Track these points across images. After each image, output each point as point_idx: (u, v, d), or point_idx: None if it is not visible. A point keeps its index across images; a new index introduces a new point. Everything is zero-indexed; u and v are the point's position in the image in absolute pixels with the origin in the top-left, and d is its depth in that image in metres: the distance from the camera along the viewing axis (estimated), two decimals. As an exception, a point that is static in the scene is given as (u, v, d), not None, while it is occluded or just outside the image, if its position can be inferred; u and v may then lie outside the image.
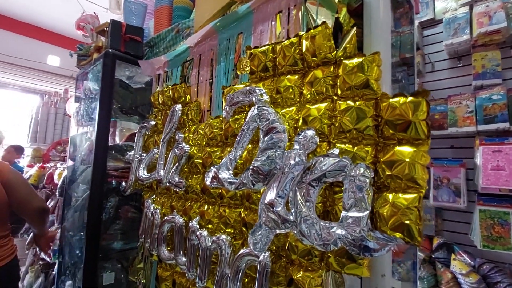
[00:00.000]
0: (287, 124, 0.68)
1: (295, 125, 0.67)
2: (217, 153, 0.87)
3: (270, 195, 0.61)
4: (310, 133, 0.61)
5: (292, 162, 0.60)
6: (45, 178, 2.41)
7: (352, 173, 0.53)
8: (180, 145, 0.97)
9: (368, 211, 0.51)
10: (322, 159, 0.57)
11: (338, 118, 0.60)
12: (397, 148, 0.52)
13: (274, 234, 0.59)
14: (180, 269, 0.93)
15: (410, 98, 0.51)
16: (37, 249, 2.34)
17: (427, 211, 2.32)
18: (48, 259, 2.03)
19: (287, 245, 0.62)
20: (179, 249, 0.92)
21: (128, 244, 1.38)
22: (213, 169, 0.75)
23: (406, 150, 0.51)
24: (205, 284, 0.81)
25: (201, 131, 0.94)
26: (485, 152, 1.88)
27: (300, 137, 0.62)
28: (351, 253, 0.54)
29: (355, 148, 0.57)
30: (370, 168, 0.53)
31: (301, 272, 0.59)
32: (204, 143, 0.94)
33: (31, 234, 2.75)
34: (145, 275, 1.24)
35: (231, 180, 0.71)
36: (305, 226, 0.55)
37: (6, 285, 1.31)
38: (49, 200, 2.53)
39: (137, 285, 1.28)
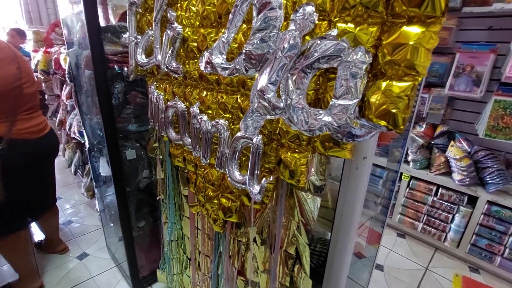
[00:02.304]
0: (283, -4, 0.58)
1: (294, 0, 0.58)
2: (212, 35, 0.80)
3: (262, 81, 0.59)
4: (308, 9, 0.53)
5: (286, 45, 0.55)
6: (53, 63, 2.41)
7: (349, 59, 0.49)
8: (173, 25, 0.89)
9: (357, 100, 0.49)
10: (318, 42, 0.52)
11: (344, -11, 0.50)
12: (404, 28, 0.45)
13: (264, 119, 0.61)
14: (187, 148, 1.03)
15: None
16: (67, 128, 2.60)
17: (438, 100, 2.27)
18: (79, 139, 2.29)
19: (277, 130, 0.65)
20: (184, 132, 0.99)
21: (142, 126, 1.50)
22: (206, 54, 0.71)
23: (413, 31, 0.44)
24: (208, 160, 0.91)
25: (193, 8, 0.84)
26: (525, 35, 1.63)
27: (298, 14, 0.54)
28: (334, 139, 0.57)
29: (358, 29, 0.50)
30: (369, 53, 0.48)
31: (289, 154, 0.64)
32: (198, 23, 0.85)
33: (59, 116, 3.00)
34: (161, 152, 1.40)
35: (225, 65, 0.68)
36: (293, 113, 0.55)
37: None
38: (64, 86, 2.62)
39: (156, 160, 1.47)
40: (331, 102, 0.52)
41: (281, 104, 0.57)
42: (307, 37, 0.56)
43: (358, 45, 0.49)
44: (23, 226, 1.61)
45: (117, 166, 1.41)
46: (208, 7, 0.78)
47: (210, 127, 0.84)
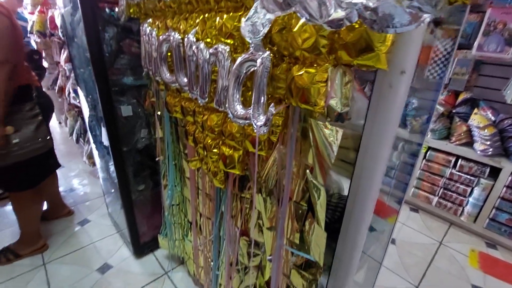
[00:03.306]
0: None
1: None
2: None
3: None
4: None
5: None
6: (48, 22, 2.27)
7: None
8: None
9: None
10: None
11: None
12: None
13: (274, 17, 0.47)
14: (184, 91, 0.90)
15: None
16: (67, 94, 2.50)
17: (464, 63, 2.07)
18: (76, 101, 2.18)
19: (289, 39, 0.52)
20: (179, 69, 0.86)
21: (138, 80, 1.37)
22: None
23: None
24: (206, 99, 0.79)
25: None
26: None
27: None
28: (366, 40, 0.43)
29: None
30: None
31: (304, 70, 0.51)
32: None
33: (58, 82, 2.90)
34: (159, 107, 1.28)
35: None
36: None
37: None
38: (62, 50, 2.49)
39: (154, 118, 1.36)
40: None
41: (296, -7, 0.43)
42: None
43: None
44: (42, 179, 1.60)
45: (111, 122, 1.31)
46: None
47: (208, 56, 0.71)
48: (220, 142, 0.85)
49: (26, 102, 1.38)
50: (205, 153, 0.93)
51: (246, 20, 0.49)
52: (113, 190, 1.92)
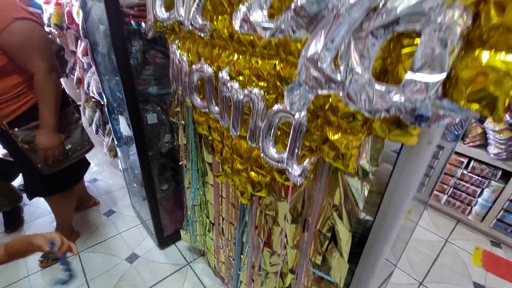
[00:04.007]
0: None
1: None
2: (247, -15, 0.67)
3: (315, 46, 0.48)
4: (389, -51, 0.40)
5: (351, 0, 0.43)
6: (66, 17, 2.28)
7: (439, 20, 0.37)
8: (199, -27, 0.75)
9: (444, 75, 0.39)
10: (398, -6, 0.39)
11: None
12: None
13: (316, 94, 0.51)
14: (213, 116, 0.96)
15: None
16: (86, 87, 2.56)
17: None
18: (98, 99, 2.25)
19: (327, 106, 0.56)
20: (210, 99, 0.91)
21: (163, 89, 1.42)
22: (243, 9, 0.59)
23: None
24: (238, 132, 0.84)
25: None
26: None
27: (371, -43, 0.41)
28: (400, 122, 0.47)
29: (457, -24, 0.37)
30: (469, 12, 0.37)
31: (339, 134, 0.56)
32: (230, -30, 0.71)
33: (76, 74, 2.95)
34: (183, 117, 1.34)
35: (266, 25, 0.57)
36: (354, 88, 0.45)
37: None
38: (79, 42, 2.51)
39: (178, 125, 1.42)
40: (406, 76, 0.42)
41: (339, 77, 0.47)
42: (380, -11, 0.43)
43: (454, 1, 0.37)
44: (79, 179, 1.71)
45: (138, 131, 1.38)
46: (244, -51, 0.64)
47: (242, 97, 0.75)
48: (249, 167, 0.91)
49: (68, 107, 1.42)
50: (232, 172, 1.00)
51: (288, 92, 0.53)
52: (135, 185, 2.04)
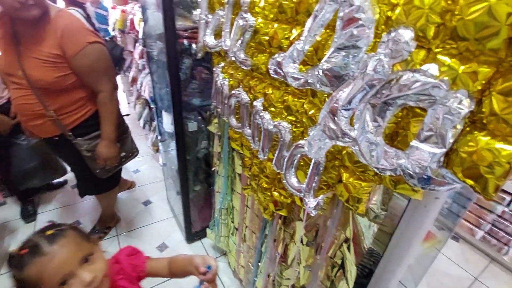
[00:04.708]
0: (378, 9, 0.51)
1: (388, 14, 0.50)
2: (285, 32, 0.76)
3: (335, 104, 0.55)
4: (405, 35, 0.46)
5: (370, 71, 0.50)
6: (128, 23, 2.56)
7: (445, 102, 0.43)
8: (245, 16, 0.85)
9: (444, 150, 0.44)
10: (410, 75, 0.45)
11: (457, 16, 0.41)
12: (529, 78, 0.37)
13: (332, 144, 0.59)
14: (246, 137, 1.06)
15: None
16: (138, 86, 2.84)
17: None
18: (149, 101, 2.50)
19: (344, 151, 0.63)
20: (245, 122, 1.01)
21: (205, 101, 1.57)
22: (277, 58, 0.68)
23: (541, 86, 0.36)
24: (266, 156, 0.93)
25: None
26: None
27: (390, 37, 0.48)
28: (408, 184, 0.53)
29: (464, 67, 0.42)
30: (473, 100, 0.41)
31: (352, 179, 0.62)
32: (272, 16, 0.80)
33: (132, 73, 3.27)
34: (220, 128, 1.46)
35: (296, 76, 0.65)
36: (365, 146, 0.52)
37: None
38: (136, 44, 2.80)
39: (214, 135, 1.56)
40: (412, 144, 0.47)
41: (353, 134, 0.54)
42: (397, 65, 0.49)
43: (459, 88, 0.43)
44: (120, 179, 1.93)
45: (180, 136, 1.54)
46: (285, 2, 0.73)
47: (271, 127, 0.84)
48: (273, 188, 1.00)
49: (121, 117, 1.58)
50: (258, 189, 1.10)
51: (309, 139, 0.61)
52: (171, 181, 2.23)
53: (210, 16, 1.13)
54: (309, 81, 0.62)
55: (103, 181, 1.65)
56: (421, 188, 0.48)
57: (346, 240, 0.75)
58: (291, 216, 1.00)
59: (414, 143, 0.47)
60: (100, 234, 2.01)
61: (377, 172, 0.52)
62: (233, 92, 1.02)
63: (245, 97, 0.97)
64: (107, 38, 2.80)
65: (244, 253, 1.52)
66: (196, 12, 1.21)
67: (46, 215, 2.20)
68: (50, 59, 1.23)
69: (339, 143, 0.57)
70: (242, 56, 0.91)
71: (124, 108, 4.24)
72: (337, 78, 0.56)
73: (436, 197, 0.56)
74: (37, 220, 2.14)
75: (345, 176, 0.64)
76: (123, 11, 2.69)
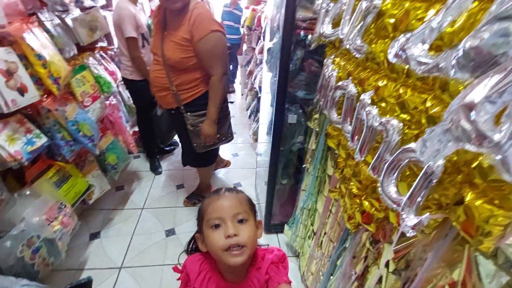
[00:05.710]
0: None
1: None
2: (419, 11, 0.62)
3: (476, 94, 0.41)
4: None
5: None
6: (256, 20, 2.78)
7: None
8: (371, -4, 0.76)
9: None
10: None
11: None
12: None
13: (458, 148, 0.44)
14: (344, 134, 0.96)
15: None
16: (253, 78, 3.06)
17: None
18: (257, 88, 2.66)
19: (475, 164, 0.47)
20: (346, 117, 0.92)
21: (309, 94, 1.52)
22: (402, 39, 0.57)
23: None
24: (363, 157, 0.82)
25: (404, -25, 0.67)
26: None
27: None
28: None
29: None
30: None
31: (481, 202, 0.45)
32: (405, -6, 0.68)
33: (250, 66, 3.56)
34: (319, 125, 1.40)
35: (423, 60, 0.52)
36: (515, 156, 0.36)
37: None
38: (259, 41, 3.02)
39: (312, 130, 1.50)
40: None
41: (497, 137, 0.39)
42: None
43: None
44: (215, 159, 2.19)
45: (278, 126, 1.55)
46: (427, -26, 0.60)
47: (377, 124, 0.72)
48: (364, 196, 0.87)
49: (225, 103, 1.78)
50: (346, 194, 0.98)
51: (424, 138, 0.48)
52: (262, 171, 2.31)
53: (332, 4, 1.08)
54: (440, 65, 0.48)
55: (201, 156, 1.89)
56: None
57: (453, 284, 0.57)
58: (379, 237, 0.85)
59: None
60: (195, 200, 2.29)
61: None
62: (340, 83, 0.94)
63: (352, 89, 0.87)
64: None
65: (317, 260, 1.41)
66: (318, 1, 1.18)
67: (162, 174, 2.67)
68: (181, 42, 1.50)
69: (471, 149, 0.42)
70: (359, 42, 0.82)
71: (237, 98, 4.69)
72: (485, 61, 0.41)
73: None
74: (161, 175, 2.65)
75: (470, 196, 0.47)
76: (254, 9, 2.95)
